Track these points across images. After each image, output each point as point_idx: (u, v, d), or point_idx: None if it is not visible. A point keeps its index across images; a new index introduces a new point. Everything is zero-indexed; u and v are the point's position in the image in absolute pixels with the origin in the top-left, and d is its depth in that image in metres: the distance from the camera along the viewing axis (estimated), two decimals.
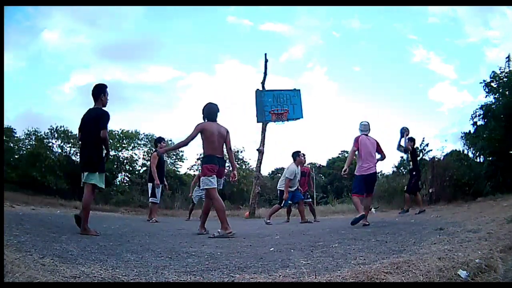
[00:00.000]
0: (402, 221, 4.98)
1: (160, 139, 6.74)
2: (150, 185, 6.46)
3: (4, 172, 11.02)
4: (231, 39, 34.63)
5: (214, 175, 3.80)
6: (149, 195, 6.49)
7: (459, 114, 34.05)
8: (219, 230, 3.72)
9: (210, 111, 3.99)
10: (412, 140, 6.93)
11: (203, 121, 3.98)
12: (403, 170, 13.84)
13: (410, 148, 6.74)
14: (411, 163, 6.97)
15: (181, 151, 17.67)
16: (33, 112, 27.23)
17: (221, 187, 3.99)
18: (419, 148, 12.26)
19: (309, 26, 33.28)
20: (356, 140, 4.92)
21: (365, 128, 5.07)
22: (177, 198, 12.62)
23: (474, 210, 5.47)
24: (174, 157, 17.73)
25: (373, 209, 8.37)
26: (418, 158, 12.07)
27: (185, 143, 3.92)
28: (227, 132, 3.97)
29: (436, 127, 36.89)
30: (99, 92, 3.79)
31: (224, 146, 3.98)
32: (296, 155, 6.66)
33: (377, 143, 5.03)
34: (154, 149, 6.62)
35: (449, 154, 10.52)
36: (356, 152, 4.93)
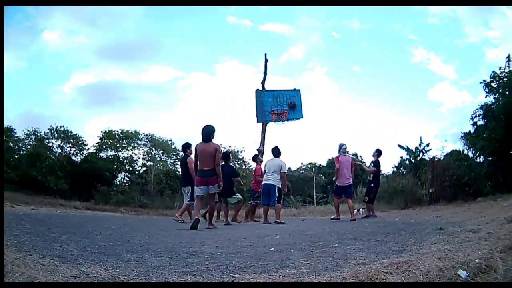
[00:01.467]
0: (402, 221, 4.98)
1: (188, 145, 6.81)
2: (188, 188, 6.43)
3: (4, 172, 11.02)
4: (232, 39, 34.74)
5: (202, 186, 4.82)
6: (189, 198, 6.45)
7: (459, 114, 34.19)
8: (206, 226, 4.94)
9: (203, 133, 4.87)
10: (377, 151, 7.35)
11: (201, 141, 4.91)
12: (403, 170, 13.86)
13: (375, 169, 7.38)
14: (371, 175, 7.42)
15: (181, 151, 17.70)
16: (33, 112, 27.30)
17: (216, 191, 4.94)
18: (419, 148, 12.28)
19: (309, 27, 33.38)
20: (337, 159, 6.72)
21: (344, 150, 6.72)
22: (177, 198, 12.62)
23: (474, 210, 5.47)
24: (174, 157, 17.74)
25: (361, 210, 8.82)
26: (418, 158, 12.14)
27: (195, 164, 5.04)
28: (216, 150, 4.83)
29: (436, 127, 37.07)
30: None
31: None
32: (280, 151, 6.67)
33: (352, 160, 6.86)
34: (184, 154, 6.73)
35: (449, 154, 10.52)
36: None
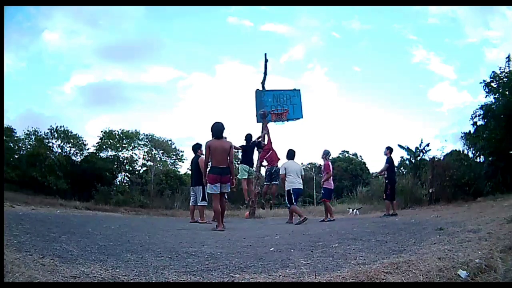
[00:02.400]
0: (402, 221, 4.98)
1: (199, 146, 6.90)
2: (199, 188, 6.48)
3: (4, 172, 11.02)
4: (232, 39, 34.78)
5: (217, 184, 4.66)
6: (200, 198, 6.45)
7: (459, 114, 34.25)
8: (214, 226, 4.76)
9: (216, 130, 4.74)
10: (389, 149, 7.51)
11: (211, 138, 4.75)
12: (403, 170, 13.85)
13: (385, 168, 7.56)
14: (386, 173, 7.56)
15: (181, 151, 17.73)
16: (33, 112, 27.31)
17: (228, 190, 4.85)
18: (419, 148, 12.28)
19: (310, 27, 33.39)
20: (329, 165, 6.92)
21: (329, 156, 7.09)
22: (177, 198, 12.62)
23: (474, 210, 5.46)
24: (174, 157, 17.74)
25: (356, 210, 9.15)
26: (418, 158, 12.13)
27: (206, 163, 4.87)
28: (230, 146, 4.77)
29: (436, 127, 37.10)
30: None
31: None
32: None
33: None
34: (195, 155, 6.80)
35: (449, 154, 10.52)
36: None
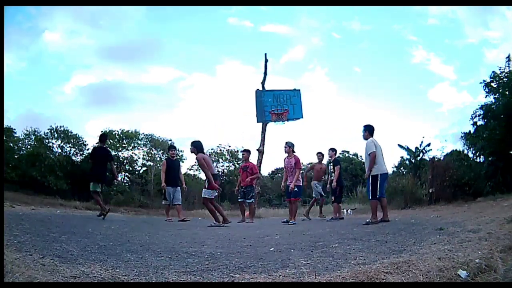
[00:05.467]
0: (402, 221, 4.98)
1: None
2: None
3: (4, 172, 11.01)
4: (232, 40, 34.66)
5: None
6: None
7: (459, 115, 34.13)
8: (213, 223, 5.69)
9: (202, 146, 5.77)
10: (333, 150, 7.39)
11: (201, 153, 5.71)
12: (403, 170, 13.86)
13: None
14: (333, 174, 7.26)
15: (181, 151, 17.72)
16: (33, 112, 27.26)
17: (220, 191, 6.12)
18: (419, 149, 12.29)
19: (310, 27, 33.29)
20: (299, 160, 6.50)
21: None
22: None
23: (474, 210, 5.46)
24: (174, 157, 17.73)
25: (349, 210, 9.13)
26: (418, 158, 12.14)
27: (208, 172, 5.63)
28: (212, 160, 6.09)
29: (436, 127, 36.98)
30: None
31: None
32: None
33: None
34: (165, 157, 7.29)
35: (449, 154, 10.54)
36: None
